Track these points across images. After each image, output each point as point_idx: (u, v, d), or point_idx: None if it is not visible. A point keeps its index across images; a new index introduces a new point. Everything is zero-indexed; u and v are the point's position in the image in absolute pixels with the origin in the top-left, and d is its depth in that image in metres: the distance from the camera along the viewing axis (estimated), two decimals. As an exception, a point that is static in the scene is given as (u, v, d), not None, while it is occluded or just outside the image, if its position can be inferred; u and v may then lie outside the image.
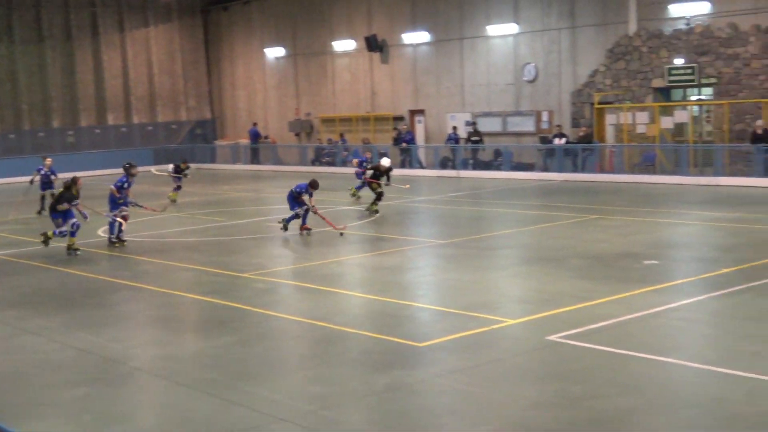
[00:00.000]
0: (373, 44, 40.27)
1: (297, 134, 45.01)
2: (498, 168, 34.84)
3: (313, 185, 19.44)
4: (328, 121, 43.41)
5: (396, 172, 37.00)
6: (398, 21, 39.80)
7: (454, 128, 36.54)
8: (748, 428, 7.69)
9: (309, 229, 19.61)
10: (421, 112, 39.55)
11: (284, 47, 45.23)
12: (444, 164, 36.48)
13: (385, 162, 24.48)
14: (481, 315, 11.88)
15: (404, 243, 18.57)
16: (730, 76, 29.50)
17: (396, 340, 10.83)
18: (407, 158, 37.61)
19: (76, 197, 18.07)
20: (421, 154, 38.19)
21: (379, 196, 23.50)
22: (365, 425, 8.13)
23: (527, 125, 35.23)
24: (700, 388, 8.89)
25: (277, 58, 45.82)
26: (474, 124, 35.86)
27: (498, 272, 15.28)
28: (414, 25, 39.12)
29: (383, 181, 23.95)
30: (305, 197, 19.44)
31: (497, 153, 35.52)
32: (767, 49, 28.61)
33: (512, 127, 35.81)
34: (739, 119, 29.26)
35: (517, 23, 35.31)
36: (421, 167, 37.37)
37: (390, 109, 40.69)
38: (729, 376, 9.05)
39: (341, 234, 19.13)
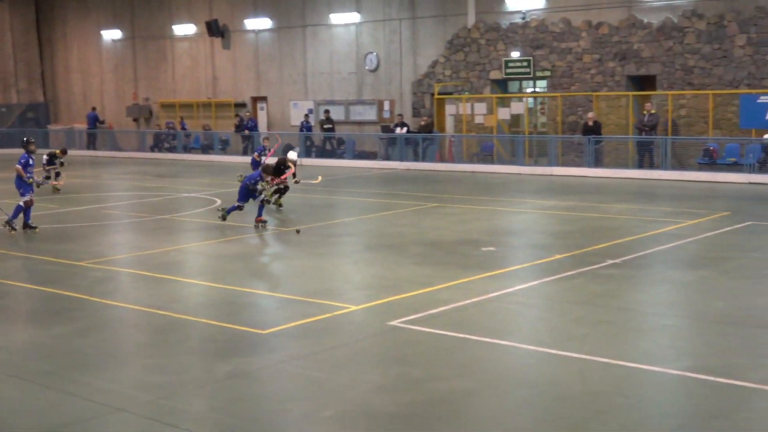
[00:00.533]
0: (215, 29, 39.67)
1: (135, 119, 43.89)
2: (341, 156, 35.01)
3: (265, 170, 18.51)
4: (167, 106, 42.50)
5: (233, 159, 36.85)
6: (240, 6, 39.32)
7: (306, 116, 36.42)
8: (579, 407, 8.01)
9: (264, 221, 18.45)
10: (263, 99, 39.26)
11: (121, 30, 43.96)
12: (287, 151, 36.30)
13: (292, 155, 21.12)
14: (325, 301, 11.92)
15: (248, 230, 18.41)
16: (563, 70, 30.62)
17: (238, 327, 10.74)
18: (249, 145, 37.30)
19: None
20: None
21: (283, 191, 21.27)
22: (206, 413, 8.02)
23: (369, 114, 35.55)
24: (533, 369, 9.17)
25: (114, 41, 44.51)
26: (327, 111, 35.83)
27: (341, 259, 15.36)
28: (256, 11, 38.74)
29: (289, 179, 20.98)
30: (262, 184, 18.24)
31: (340, 141, 35.67)
32: (598, 44, 29.84)
33: (355, 116, 36.06)
34: (571, 111, 30.43)
35: (359, 12, 35.51)
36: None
37: (232, 95, 40.20)
38: (561, 357, 9.39)
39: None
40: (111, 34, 44.40)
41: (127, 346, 10.42)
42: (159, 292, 12.82)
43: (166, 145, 40.55)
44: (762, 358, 9.26)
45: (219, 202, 22.49)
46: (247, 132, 37.17)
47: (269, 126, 38.56)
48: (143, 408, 8.03)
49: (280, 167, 20.01)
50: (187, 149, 40.02)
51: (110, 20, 44.30)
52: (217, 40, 40.18)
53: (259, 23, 38.68)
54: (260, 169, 18.84)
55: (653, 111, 27.70)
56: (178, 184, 28.01)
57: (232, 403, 8.27)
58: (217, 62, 40.59)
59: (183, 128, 40.39)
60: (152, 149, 41.04)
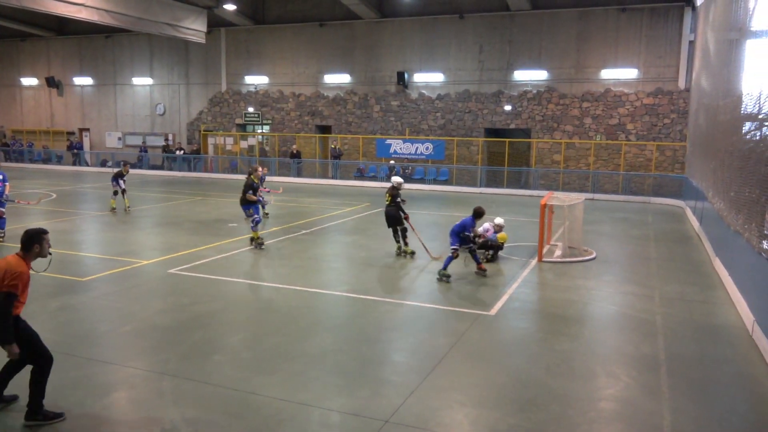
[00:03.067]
0: (51, 82, 35.15)
1: (-8, 139, 37.73)
2: (141, 167, 32.48)
3: (476, 214, 9.77)
4: (17, 131, 37.00)
5: (65, 168, 32.90)
6: (70, 68, 35.14)
7: (119, 138, 33.03)
8: (282, 315, 8.04)
9: (484, 270, 10.12)
10: (87, 129, 35.40)
11: (-19, 78, 37.56)
12: (103, 163, 33.00)
13: (396, 180, 11.64)
14: (127, 258, 11.04)
15: (74, 213, 16.55)
16: (278, 120, 30.50)
17: (65, 277, 9.68)
18: (77, 159, 33.50)
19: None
20: (88, 157, 34.18)
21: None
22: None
23: (159, 142, 33.26)
24: (257, 295, 9.04)
25: (-25, 85, 37.91)
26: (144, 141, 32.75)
27: (140, 231, 14.22)
28: (82, 72, 34.83)
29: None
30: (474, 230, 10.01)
31: (141, 157, 33.04)
32: (298, 105, 30.03)
33: (150, 143, 33.59)
34: (284, 144, 30.38)
35: (152, 78, 33.10)
36: (88, 165, 33.46)
37: (65, 126, 35.82)
38: (273, 288, 9.33)
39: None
40: (-28, 80, 37.80)
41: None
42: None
43: (16, 156, 35.24)
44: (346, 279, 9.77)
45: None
46: (75, 151, 33.44)
47: (90, 146, 34.76)
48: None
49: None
50: (31, 161, 35.07)
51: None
52: (54, 90, 35.59)
53: (84, 80, 34.79)
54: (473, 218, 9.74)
55: (338, 146, 28.18)
56: (24, 184, 24.43)
57: (60, 325, 7.49)
58: (54, 104, 35.92)
59: (29, 146, 35.31)
60: (6, 159, 35.47)
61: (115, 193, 17.23)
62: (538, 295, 9.03)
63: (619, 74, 24.25)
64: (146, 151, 33.18)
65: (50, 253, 5.13)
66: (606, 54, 24.37)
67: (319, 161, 28.84)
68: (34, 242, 5.00)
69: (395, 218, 11.42)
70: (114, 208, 17.02)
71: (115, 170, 20.04)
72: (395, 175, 23.77)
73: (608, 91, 24.50)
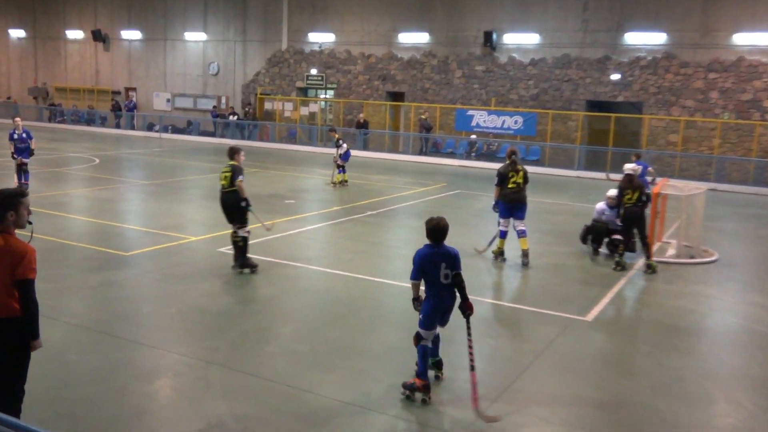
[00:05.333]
0: (98, 36, 36.78)
1: (35, 98, 40.01)
2: (190, 133, 33.56)
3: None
4: (60, 89, 39.06)
5: (109, 131, 34.54)
6: (118, 20, 36.63)
7: (214, 107, 33.84)
8: (343, 306, 8.16)
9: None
10: (133, 89, 36.89)
11: (25, 30, 39.81)
12: (150, 127, 34.39)
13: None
14: (173, 233, 11.46)
15: (117, 182, 17.32)
16: (344, 84, 30.73)
17: (108, 250, 10.16)
18: (121, 122, 35.09)
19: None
20: (135, 120, 35.63)
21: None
22: (82, 310, 7.54)
23: (211, 104, 34.27)
24: (316, 281, 9.22)
25: (19, 38, 40.24)
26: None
27: (186, 204, 14.71)
28: (130, 25, 36.23)
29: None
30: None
31: (189, 122, 34.17)
32: (367, 68, 30.13)
33: (200, 106, 34.66)
34: (349, 112, 30.65)
35: (206, 33, 34.03)
36: (133, 129, 34.93)
37: (110, 84, 37.49)
38: (334, 274, 9.51)
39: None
40: (17, 33, 40.14)
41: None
42: (45, 225, 11.83)
43: (59, 117, 37.28)
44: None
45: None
46: (124, 111, 35.05)
47: (137, 108, 36.26)
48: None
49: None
50: (74, 122, 36.98)
51: (17, 22, 40.01)
52: (100, 44, 37.24)
53: (132, 35, 36.21)
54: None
55: (428, 117, 28.09)
56: (65, 147, 25.79)
57: (101, 302, 7.83)
58: (99, 60, 37.63)
59: (73, 109, 37.26)
60: (49, 120, 37.58)
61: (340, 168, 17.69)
62: (645, 301, 8.75)
63: (756, 39, 22.81)
64: (219, 117, 33.57)
65: (30, 222, 4.40)
66: (740, 14, 22.98)
67: (389, 133, 28.92)
68: (7, 208, 4.22)
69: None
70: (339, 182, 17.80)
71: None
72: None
73: (741, 60, 23.15)
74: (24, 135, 14.44)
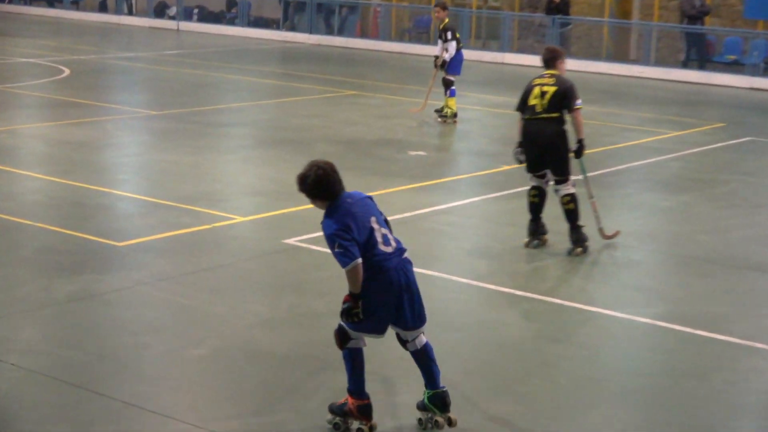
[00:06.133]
0: None
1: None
2: (232, 22, 34.45)
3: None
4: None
5: (86, 16, 36.08)
6: None
7: None
8: (519, 356, 8.08)
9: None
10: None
11: None
12: (160, 12, 35.61)
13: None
14: (202, 209, 11.77)
15: (102, 111, 18.08)
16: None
17: (86, 236, 10.55)
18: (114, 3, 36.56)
19: None
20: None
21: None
22: (39, 344, 7.84)
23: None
24: (466, 306, 9.22)
25: None
26: None
27: (225, 156, 15.19)
28: None
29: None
30: None
31: (231, 3, 35.05)
32: None
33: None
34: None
35: None
36: (130, 13, 36.27)
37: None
38: (500, 294, 9.47)
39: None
40: None
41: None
42: (-19, 186, 12.54)
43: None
44: (749, 308, 9.49)
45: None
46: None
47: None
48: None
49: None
50: (28, 1, 38.90)
51: None
52: None
53: None
54: None
55: None
56: (13, 45, 27.27)
57: (74, 332, 8.10)
58: None
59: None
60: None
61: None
62: None
63: None
64: None
65: None
66: None
67: (613, 24, 28.34)
68: None
69: None
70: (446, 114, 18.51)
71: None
72: None
73: None
74: None
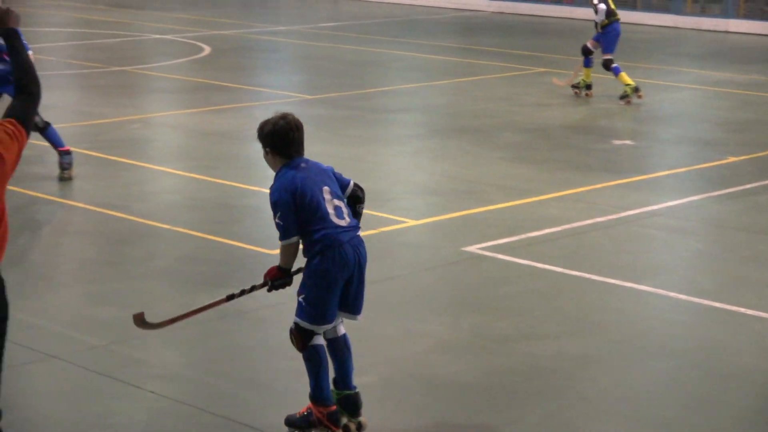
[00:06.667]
0: None
1: None
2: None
3: None
4: None
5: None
6: None
7: None
8: (757, 388, 7.92)
9: None
10: None
11: None
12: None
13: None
14: (367, 211, 11.84)
15: (248, 96, 18.41)
16: None
17: (233, 243, 10.81)
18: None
19: None
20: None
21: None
22: (180, 368, 8.08)
23: None
24: (685, 330, 9.09)
25: None
26: None
27: (392, 147, 15.35)
28: None
29: None
30: None
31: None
32: None
33: None
34: None
35: None
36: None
37: None
38: (729, 314, 9.29)
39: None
40: None
41: (64, 264, 10.51)
42: (113, 184, 12.86)
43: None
44: None
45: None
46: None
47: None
48: (86, 356, 8.08)
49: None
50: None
51: None
52: None
53: None
54: None
55: None
56: (144, 20, 27.99)
57: (221, 355, 8.30)
58: None
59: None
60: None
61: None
62: None
63: None
64: None
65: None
66: None
67: None
68: None
69: None
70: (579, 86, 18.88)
71: None
72: None
73: None
74: None
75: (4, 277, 5.72)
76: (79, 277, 10.14)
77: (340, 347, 6.95)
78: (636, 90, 18.15)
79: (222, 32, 25.78)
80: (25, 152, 12.48)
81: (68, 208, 11.90)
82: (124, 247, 10.74)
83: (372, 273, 9.96)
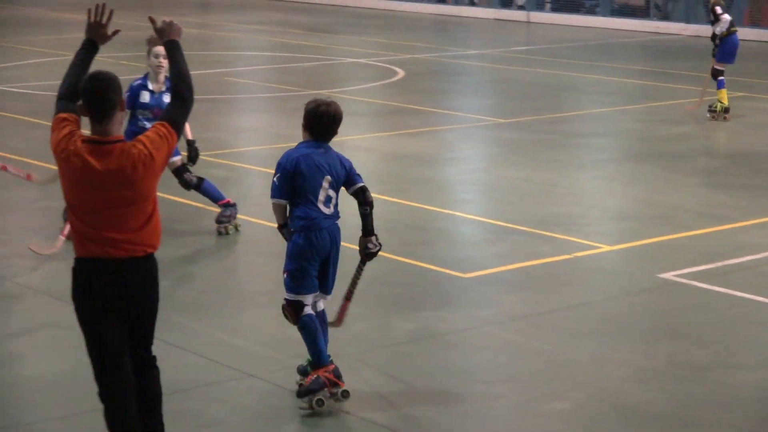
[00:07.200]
0: None
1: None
2: (591, 12, 34.52)
3: None
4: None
5: (421, 7, 36.95)
6: None
7: None
8: None
9: None
10: None
11: None
12: (507, 0, 36.10)
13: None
14: (560, 235, 11.82)
15: (441, 119, 18.50)
16: None
17: (427, 266, 10.85)
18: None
19: None
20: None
21: None
22: (374, 389, 8.12)
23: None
24: None
25: None
26: None
27: (586, 172, 15.25)
28: None
29: None
30: None
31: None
32: None
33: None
34: None
35: None
36: (472, 3, 36.98)
37: None
38: None
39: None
40: None
41: (262, 282, 10.69)
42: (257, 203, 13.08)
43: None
44: None
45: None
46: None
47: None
48: (281, 375, 8.21)
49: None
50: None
51: None
52: None
53: None
54: None
55: None
56: (340, 44, 28.32)
57: (414, 376, 8.34)
58: None
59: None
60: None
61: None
62: None
63: None
64: None
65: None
66: None
67: None
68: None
69: None
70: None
71: None
72: None
73: None
74: (159, 93, 12.23)
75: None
76: (276, 298, 10.26)
77: (319, 320, 7.69)
78: (726, 111, 18.10)
79: (416, 56, 25.97)
80: (221, 173, 12.87)
81: (265, 229, 12.04)
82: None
83: (565, 298, 10.05)
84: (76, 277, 6.11)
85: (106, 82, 6.00)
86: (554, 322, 9.48)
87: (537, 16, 34.45)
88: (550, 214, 12.77)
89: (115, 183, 5.95)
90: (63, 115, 6.18)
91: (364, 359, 8.67)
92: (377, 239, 7.89)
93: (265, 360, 8.62)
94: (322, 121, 7.53)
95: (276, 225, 7.75)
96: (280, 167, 7.53)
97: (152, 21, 6.30)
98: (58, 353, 8.70)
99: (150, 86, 11.36)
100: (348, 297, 8.10)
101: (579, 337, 9.19)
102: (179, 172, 11.70)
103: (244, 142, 16.84)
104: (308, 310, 7.59)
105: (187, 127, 9.22)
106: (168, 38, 6.31)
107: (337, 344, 8.87)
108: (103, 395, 6.16)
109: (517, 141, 16.88)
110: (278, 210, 7.61)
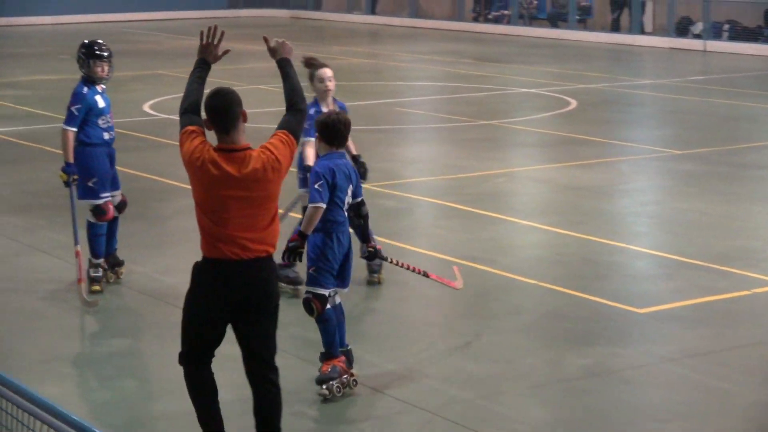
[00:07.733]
0: None
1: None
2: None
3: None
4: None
5: (595, 36, 36.76)
6: None
7: None
8: None
9: None
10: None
11: None
12: (682, 29, 35.73)
13: None
14: (739, 270, 11.63)
15: (615, 150, 18.34)
16: None
17: (599, 300, 10.76)
18: (625, 15, 37.09)
19: None
20: (649, 9, 37.38)
21: None
22: (546, 426, 8.09)
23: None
24: None
25: None
26: None
27: (765, 205, 14.99)
28: None
29: None
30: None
31: (772, 15, 34.66)
32: None
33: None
34: None
35: None
36: (643, 32, 36.67)
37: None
38: None
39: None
40: None
41: (426, 316, 10.71)
42: (477, 237, 13.05)
43: (495, 12, 40.96)
44: None
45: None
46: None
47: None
48: (452, 409, 8.20)
49: None
50: (527, 19, 40.28)
51: None
52: None
53: None
54: None
55: None
56: (511, 73, 28.29)
57: (586, 413, 8.30)
58: None
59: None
60: (474, 18, 41.56)
61: None
62: None
63: None
64: None
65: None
66: None
67: None
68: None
69: None
70: None
71: None
72: None
73: None
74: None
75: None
76: (446, 331, 10.29)
77: (338, 313, 8.45)
78: None
79: (588, 86, 25.80)
80: (391, 203, 12.83)
81: (435, 261, 12.03)
82: (489, 300, 10.85)
83: (744, 336, 9.88)
84: (199, 276, 6.85)
85: (228, 97, 6.76)
86: (732, 360, 9.31)
87: (714, 45, 33.95)
88: (727, 248, 12.56)
89: (250, 186, 6.67)
90: (191, 127, 6.86)
91: (535, 394, 8.63)
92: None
93: (436, 393, 8.57)
94: (335, 128, 8.39)
95: (305, 230, 8.21)
96: (319, 175, 8.24)
97: (266, 40, 7.17)
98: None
99: (323, 109, 11.67)
100: (425, 273, 9.74)
101: (758, 376, 9.02)
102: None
103: (415, 172, 16.88)
104: (332, 302, 8.38)
105: (350, 142, 9.66)
106: (281, 56, 7.14)
107: (509, 378, 8.87)
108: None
109: (692, 173, 16.64)
110: (317, 215, 8.19)
